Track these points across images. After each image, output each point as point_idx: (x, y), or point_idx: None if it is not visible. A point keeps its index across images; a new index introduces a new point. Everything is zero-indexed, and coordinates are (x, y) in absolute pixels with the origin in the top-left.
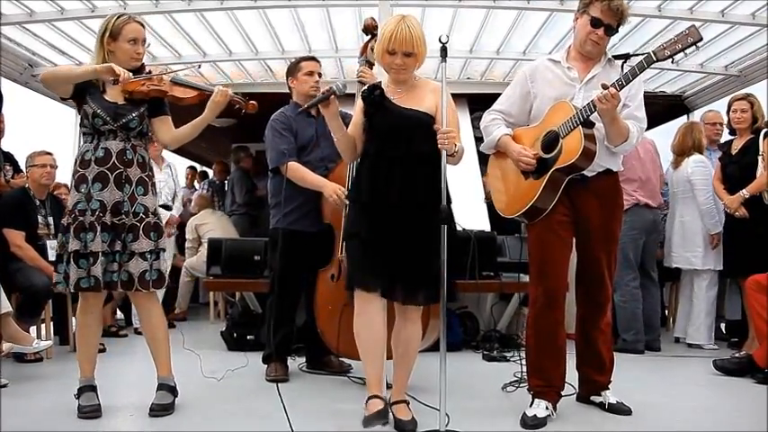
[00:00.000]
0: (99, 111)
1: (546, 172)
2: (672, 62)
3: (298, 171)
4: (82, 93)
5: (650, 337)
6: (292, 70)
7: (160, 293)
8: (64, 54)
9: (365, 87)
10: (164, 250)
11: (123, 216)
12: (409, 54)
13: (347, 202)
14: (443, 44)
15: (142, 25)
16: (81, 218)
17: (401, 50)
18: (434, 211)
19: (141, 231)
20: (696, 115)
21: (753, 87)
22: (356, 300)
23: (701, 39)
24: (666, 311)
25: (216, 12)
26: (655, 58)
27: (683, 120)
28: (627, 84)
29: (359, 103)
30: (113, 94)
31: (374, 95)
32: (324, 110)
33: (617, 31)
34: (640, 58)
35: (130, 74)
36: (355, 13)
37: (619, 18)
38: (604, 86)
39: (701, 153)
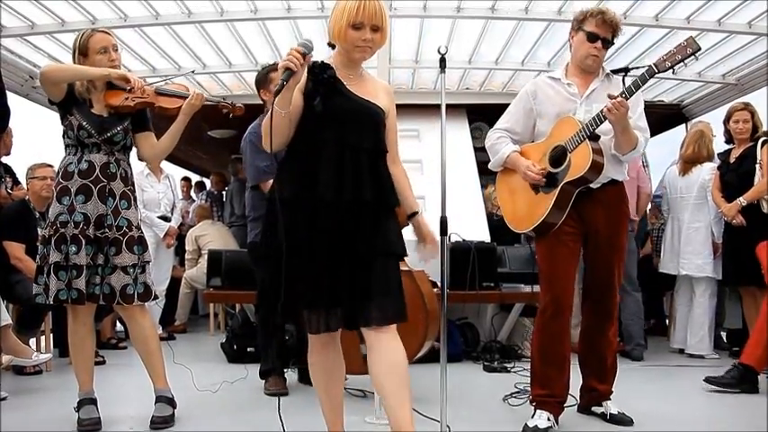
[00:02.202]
0: (84, 123)
1: (556, 186)
2: (672, 72)
3: None
4: (69, 102)
5: (629, 346)
6: (262, 81)
7: (160, 305)
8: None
9: (314, 62)
10: (149, 263)
11: (106, 229)
12: (377, 29)
13: None
14: (442, 55)
15: (108, 33)
16: (62, 230)
17: (370, 23)
18: (392, 212)
19: (124, 245)
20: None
21: (750, 96)
22: (311, 340)
23: (700, 48)
24: (667, 320)
25: (215, 23)
26: (656, 70)
27: (681, 128)
28: (631, 95)
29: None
30: (99, 108)
31: (326, 75)
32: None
33: (613, 43)
34: (642, 70)
35: (143, 81)
36: None
37: (613, 30)
38: (611, 96)
39: (712, 161)
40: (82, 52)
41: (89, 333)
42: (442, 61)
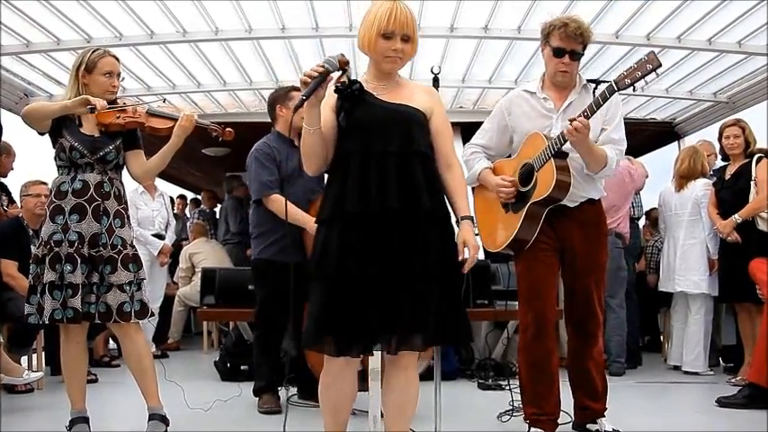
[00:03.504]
0: (76, 144)
1: (524, 205)
2: (633, 90)
3: (280, 204)
4: (58, 127)
5: (608, 362)
6: (281, 98)
7: (153, 323)
8: (59, 84)
9: (342, 82)
10: (144, 280)
11: (101, 248)
12: (407, 39)
13: None
14: (435, 74)
15: (117, 59)
16: (57, 249)
17: (401, 33)
18: (440, 223)
19: (120, 263)
20: (686, 141)
21: (742, 113)
22: (327, 360)
23: (660, 65)
24: (662, 337)
25: (210, 42)
26: (616, 87)
27: (673, 146)
28: (593, 114)
29: (327, 100)
30: (90, 128)
31: (352, 88)
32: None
33: (583, 54)
34: (602, 88)
35: (105, 102)
36: (348, 43)
37: (582, 41)
38: (572, 120)
39: (706, 177)
40: (88, 68)
41: (82, 351)
42: (436, 80)
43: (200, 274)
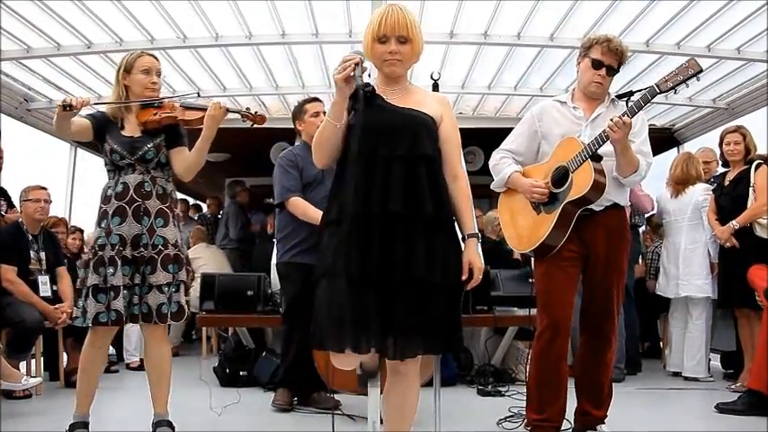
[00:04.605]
0: (116, 146)
1: (557, 206)
2: (674, 92)
3: (300, 206)
4: (101, 133)
5: None
6: (298, 114)
7: None
8: (60, 89)
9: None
10: (184, 282)
11: (142, 249)
12: (404, 40)
13: None
14: (435, 81)
15: (156, 58)
16: (100, 252)
17: (394, 35)
18: (443, 227)
19: (159, 264)
20: (686, 147)
21: (741, 120)
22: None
23: (702, 70)
24: (661, 343)
25: (210, 48)
26: (658, 90)
27: (673, 152)
28: (633, 115)
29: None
30: (131, 129)
31: (365, 90)
32: (343, 85)
33: (618, 71)
34: (644, 91)
35: (86, 97)
36: (347, 49)
37: (619, 57)
38: (613, 119)
39: (703, 182)
40: (126, 69)
41: (101, 357)
42: (435, 86)
43: (199, 280)
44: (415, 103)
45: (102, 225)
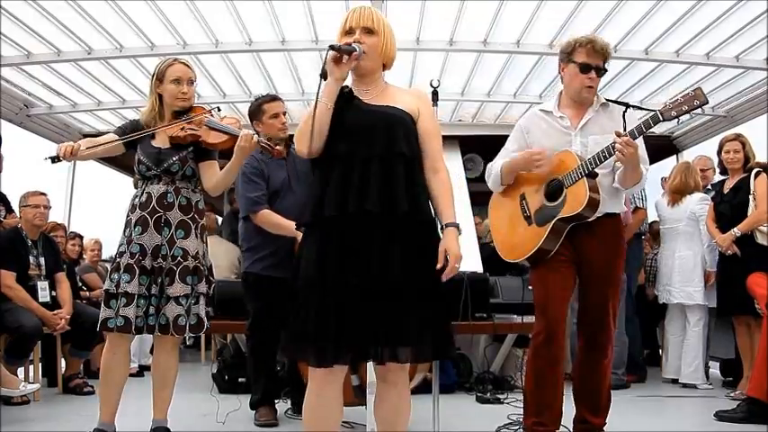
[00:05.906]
0: (143, 157)
1: (550, 221)
2: (677, 122)
3: (269, 219)
4: (133, 143)
5: None
6: (255, 113)
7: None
8: (60, 95)
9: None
10: (204, 295)
11: (161, 259)
12: (370, 31)
13: None
14: (434, 88)
15: (188, 66)
16: (119, 260)
17: (359, 26)
18: (422, 229)
19: (177, 275)
20: (685, 155)
21: (740, 128)
22: (311, 374)
23: (707, 102)
24: (660, 351)
25: (210, 54)
26: (661, 118)
27: (672, 160)
28: (635, 139)
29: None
30: (161, 140)
31: (343, 91)
32: (335, 68)
33: (606, 70)
34: (646, 117)
35: (76, 143)
36: None
37: (604, 57)
38: (618, 134)
39: (700, 191)
40: (159, 78)
41: (118, 363)
42: (435, 94)
43: None
44: (390, 100)
45: (126, 233)
